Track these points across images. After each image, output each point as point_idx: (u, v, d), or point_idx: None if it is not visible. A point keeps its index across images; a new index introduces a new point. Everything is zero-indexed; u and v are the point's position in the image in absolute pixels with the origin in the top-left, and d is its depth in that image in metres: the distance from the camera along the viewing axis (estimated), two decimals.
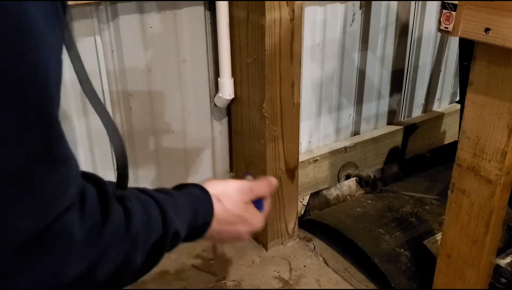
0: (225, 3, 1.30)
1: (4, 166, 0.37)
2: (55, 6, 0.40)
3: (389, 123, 1.98)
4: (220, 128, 1.52)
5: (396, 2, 1.75)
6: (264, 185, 0.73)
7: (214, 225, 0.65)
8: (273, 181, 0.75)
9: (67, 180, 0.42)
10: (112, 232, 0.46)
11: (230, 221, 0.68)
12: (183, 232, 0.60)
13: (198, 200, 0.64)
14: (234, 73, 1.39)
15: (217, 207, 0.65)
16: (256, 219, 0.71)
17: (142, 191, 0.56)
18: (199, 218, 0.63)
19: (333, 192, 1.69)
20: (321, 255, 1.47)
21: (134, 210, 0.50)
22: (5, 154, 0.36)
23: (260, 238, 1.51)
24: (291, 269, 1.42)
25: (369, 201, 1.63)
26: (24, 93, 0.37)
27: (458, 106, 1.98)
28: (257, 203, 0.73)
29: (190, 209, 0.61)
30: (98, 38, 1.21)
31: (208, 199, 0.65)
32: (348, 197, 1.71)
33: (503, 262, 1.08)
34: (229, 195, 0.68)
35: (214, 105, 1.47)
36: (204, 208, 0.64)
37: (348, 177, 1.81)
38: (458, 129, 1.20)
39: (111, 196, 0.48)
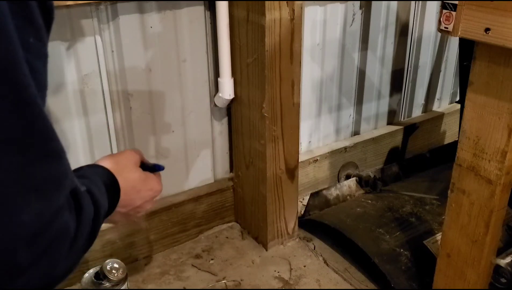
0: (225, 3, 1.30)
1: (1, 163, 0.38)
2: (25, 9, 0.41)
3: (389, 123, 1.98)
4: (220, 128, 1.52)
5: (396, 2, 1.75)
6: (131, 152, 0.78)
7: (122, 196, 0.68)
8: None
9: (64, 174, 0.43)
10: (82, 232, 0.48)
11: (135, 188, 0.72)
12: (105, 207, 0.62)
13: (104, 177, 0.66)
14: (234, 73, 1.39)
15: (119, 179, 0.68)
16: (156, 182, 0.78)
17: None
18: (110, 193, 0.65)
19: (333, 192, 1.69)
20: (321, 255, 1.47)
21: (85, 207, 0.52)
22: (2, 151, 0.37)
23: (260, 238, 1.51)
24: (291, 269, 1.42)
25: (369, 201, 1.63)
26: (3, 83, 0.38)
27: (458, 106, 1.98)
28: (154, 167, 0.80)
29: (103, 186, 0.64)
30: (98, 38, 1.21)
31: (110, 174, 0.67)
32: (348, 197, 1.71)
33: (503, 262, 1.08)
34: (125, 165, 0.72)
35: (214, 105, 1.47)
36: (111, 184, 0.66)
37: (348, 177, 1.81)
38: (458, 129, 1.20)
39: (82, 194, 0.50)
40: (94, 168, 0.67)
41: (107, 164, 0.69)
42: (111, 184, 0.66)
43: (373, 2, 1.68)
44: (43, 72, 0.45)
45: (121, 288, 1.16)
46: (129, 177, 0.71)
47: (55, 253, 0.43)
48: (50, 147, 0.42)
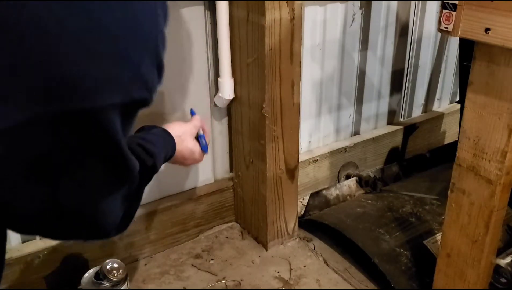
0: (225, 3, 1.30)
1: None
2: None
3: (389, 123, 1.98)
4: (220, 128, 1.52)
5: (396, 2, 1.75)
6: (197, 121, 1.15)
7: (177, 155, 1.03)
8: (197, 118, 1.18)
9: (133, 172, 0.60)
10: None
11: (184, 154, 1.08)
12: (161, 161, 0.88)
13: (166, 139, 0.98)
14: (234, 73, 1.39)
15: (177, 144, 1.02)
16: (199, 156, 1.14)
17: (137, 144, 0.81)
18: (168, 151, 0.97)
19: (333, 192, 1.69)
20: (321, 255, 1.47)
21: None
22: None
23: (260, 238, 1.51)
24: (291, 269, 1.42)
25: (369, 201, 1.63)
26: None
27: (458, 106, 1.98)
28: (200, 137, 1.15)
29: (163, 145, 0.93)
30: None
31: (172, 138, 1.00)
32: (348, 197, 1.71)
33: (503, 262, 1.08)
34: (184, 136, 1.08)
35: (214, 105, 1.47)
36: (170, 145, 0.98)
37: (348, 177, 1.81)
38: (458, 129, 1.20)
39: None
40: (161, 132, 0.98)
41: (175, 131, 1.02)
42: (172, 151, 0.99)
43: (373, 2, 1.68)
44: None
45: (121, 288, 1.17)
46: (183, 147, 1.06)
47: None
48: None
